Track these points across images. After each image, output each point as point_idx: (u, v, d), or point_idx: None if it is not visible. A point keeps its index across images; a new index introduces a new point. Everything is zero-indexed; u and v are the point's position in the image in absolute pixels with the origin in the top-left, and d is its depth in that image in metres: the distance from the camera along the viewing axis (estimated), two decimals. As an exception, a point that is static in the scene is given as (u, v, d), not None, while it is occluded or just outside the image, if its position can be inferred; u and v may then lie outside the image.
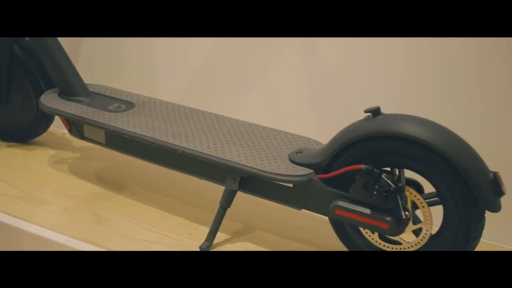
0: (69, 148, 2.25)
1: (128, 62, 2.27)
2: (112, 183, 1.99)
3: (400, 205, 1.43)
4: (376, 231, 1.50)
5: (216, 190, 1.69)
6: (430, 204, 1.46)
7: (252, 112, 2.05)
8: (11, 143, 2.24)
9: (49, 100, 1.95)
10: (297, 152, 1.63)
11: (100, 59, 2.31)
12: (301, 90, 2.00)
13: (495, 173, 1.38)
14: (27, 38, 2.08)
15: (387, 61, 1.85)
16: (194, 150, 1.64)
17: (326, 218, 1.59)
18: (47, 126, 2.21)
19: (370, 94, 1.89)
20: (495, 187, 1.37)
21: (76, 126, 1.92)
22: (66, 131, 2.03)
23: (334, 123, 1.85)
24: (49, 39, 1.95)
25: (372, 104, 1.50)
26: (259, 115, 2.02)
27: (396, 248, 1.51)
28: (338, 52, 1.92)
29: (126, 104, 1.94)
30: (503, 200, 1.40)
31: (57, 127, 2.27)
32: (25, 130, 2.20)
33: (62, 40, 2.00)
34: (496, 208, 1.39)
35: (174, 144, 1.68)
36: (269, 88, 2.05)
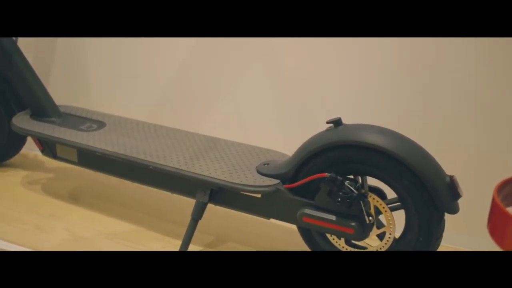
0: (42, 169, 2.28)
1: (98, 83, 2.32)
2: (86, 201, 2.03)
3: (364, 211, 1.49)
4: (342, 237, 1.56)
5: (188, 204, 1.74)
6: (392, 209, 1.53)
7: (219, 128, 2.11)
8: (-16, 166, 2.26)
9: (22, 121, 1.99)
10: (264, 164, 1.69)
11: (70, 81, 2.36)
12: (265, 105, 2.07)
13: (451, 177, 1.45)
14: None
15: (347, 75, 1.93)
16: (165, 165, 1.69)
17: (296, 228, 1.66)
18: (19, 148, 2.24)
19: (331, 107, 1.96)
20: (452, 190, 1.45)
21: (48, 146, 1.96)
22: (38, 153, 2.07)
23: (299, 135, 1.92)
24: (19, 59, 2.00)
25: (334, 116, 1.57)
26: (226, 131, 2.08)
27: (362, 253, 1.57)
28: (300, 67, 1.99)
29: (98, 123, 1.99)
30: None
31: (29, 149, 2.30)
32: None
33: (32, 62, 2.04)
34: (454, 210, 1.47)
35: (145, 160, 1.73)
36: (235, 104, 2.11)
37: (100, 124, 1.98)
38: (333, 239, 1.60)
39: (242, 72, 2.08)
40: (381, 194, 1.59)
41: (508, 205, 1.27)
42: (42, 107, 2.02)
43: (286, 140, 2.03)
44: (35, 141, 1.99)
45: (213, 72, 2.12)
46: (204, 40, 2.09)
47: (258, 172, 1.66)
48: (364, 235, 1.51)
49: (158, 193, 1.89)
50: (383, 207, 1.54)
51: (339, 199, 1.49)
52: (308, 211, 1.55)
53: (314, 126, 1.66)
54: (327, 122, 1.55)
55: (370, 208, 1.53)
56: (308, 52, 1.97)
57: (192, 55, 2.14)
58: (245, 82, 2.08)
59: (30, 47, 2.25)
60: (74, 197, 2.05)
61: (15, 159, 2.29)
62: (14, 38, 2.04)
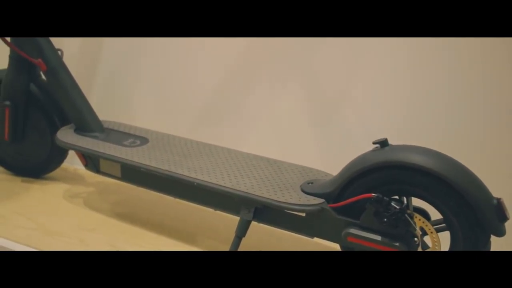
0: (82, 183, 2.31)
1: (140, 99, 2.35)
2: (127, 215, 2.05)
3: (409, 232, 1.50)
4: (387, 257, 1.57)
5: (230, 221, 1.76)
6: (438, 230, 1.54)
7: (259, 145, 2.12)
8: (25, 178, 2.30)
9: (66, 136, 2.02)
10: (308, 183, 1.70)
11: (112, 96, 2.39)
12: (305, 123, 2.08)
13: (498, 199, 1.45)
14: (43, 77, 2.16)
15: (390, 92, 1.94)
16: (210, 182, 1.71)
17: (337, 245, 1.66)
18: (61, 162, 2.27)
19: (369, 124, 1.97)
20: (500, 212, 1.45)
21: (92, 161, 1.99)
22: (78, 167, 2.10)
23: (338, 153, 1.93)
24: (64, 74, 2.04)
25: (374, 134, 1.58)
26: (265, 148, 2.10)
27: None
28: (339, 84, 2.00)
29: (141, 139, 2.02)
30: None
31: (69, 163, 2.34)
32: (39, 166, 2.26)
33: (76, 76, 2.08)
34: (501, 232, 1.47)
35: (189, 177, 1.75)
36: (273, 121, 2.13)
37: (143, 140, 2.01)
38: (377, 259, 1.61)
39: (280, 89, 2.09)
40: (426, 215, 1.60)
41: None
42: (86, 122, 2.05)
43: (325, 158, 2.04)
44: (78, 155, 2.02)
45: (252, 89, 2.14)
46: (244, 57, 2.12)
47: (303, 190, 1.67)
48: (409, 256, 1.52)
49: (201, 210, 1.91)
50: (429, 228, 1.54)
51: (385, 220, 1.50)
52: (353, 231, 1.55)
53: (352, 143, 1.67)
54: (374, 143, 1.56)
55: (415, 229, 1.53)
56: (347, 69, 1.98)
57: (232, 73, 2.16)
58: (284, 99, 2.10)
59: (74, 62, 2.28)
60: (115, 212, 2.08)
61: (55, 172, 2.33)
62: (59, 52, 2.08)
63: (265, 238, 1.93)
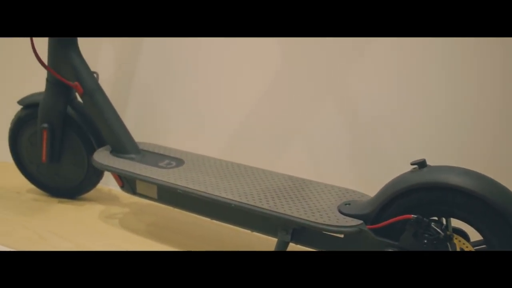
0: (116, 203, 2.33)
1: (174, 121, 2.38)
2: (163, 236, 2.07)
3: (450, 253, 1.49)
4: (426, 279, 1.56)
5: (267, 242, 1.76)
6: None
7: (295, 166, 2.13)
8: (62, 199, 2.33)
9: (103, 157, 2.05)
10: (346, 204, 1.71)
11: (147, 118, 2.42)
12: (341, 143, 2.09)
13: None
14: (79, 99, 2.19)
15: (427, 113, 1.94)
16: (247, 204, 1.72)
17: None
18: (96, 183, 2.30)
19: (409, 146, 1.97)
20: None
21: (128, 182, 2.01)
22: (112, 188, 2.12)
23: (375, 175, 1.93)
24: (100, 96, 2.07)
25: (410, 155, 1.58)
26: (302, 169, 2.11)
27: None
28: (374, 104, 2.01)
29: (176, 160, 2.04)
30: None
31: (104, 184, 2.37)
32: (75, 187, 2.29)
33: (111, 98, 2.11)
34: None
35: (226, 198, 1.76)
36: (310, 142, 2.14)
37: (179, 162, 2.03)
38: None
39: (316, 109, 2.10)
40: (465, 236, 1.59)
41: None
42: (122, 144, 2.08)
43: (362, 179, 2.04)
44: (115, 177, 2.05)
45: (288, 110, 2.15)
46: (280, 77, 2.13)
47: (340, 212, 1.67)
48: (449, 277, 1.51)
49: (236, 231, 1.91)
50: (469, 250, 1.53)
51: (425, 241, 1.50)
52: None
53: (389, 164, 1.67)
54: (412, 164, 1.56)
55: (456, 250, 1.53)
56: (385, 89, 1.98)
57: (267, 93, 2.18)
58: (320, 119, 2.11)
59: (109, 84, 2.32)
60: (151, 233, 2.10)
61: (90, 193, 2.36)
62: (95, 75, 2.12)
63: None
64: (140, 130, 2.32)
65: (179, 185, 1.85)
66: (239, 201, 1.74)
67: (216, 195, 1.78)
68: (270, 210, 1.68)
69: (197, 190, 1.81)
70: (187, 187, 1.83)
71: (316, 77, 2.08)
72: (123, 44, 2.41)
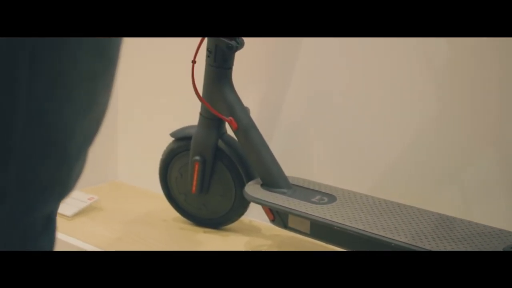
0: (259, 235, 2.38)
1: (320, 154, 2.41)
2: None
3: None
4: None
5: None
6: None
7: (444, 204, 2.10)
8: (207, 229, 2.40)
9: (255, 191, 2.10)
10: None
11: (293, 150, 2.46)
12: (492, 179, 2.05)
13: None
14: (228, 134, 2.27)
15: None
16: (408, 243, 1.72)
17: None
18: (242, 215, 2.36)
19: None
20: None
21: (280, 216, 2.05)
22: (253, 219, 2.16)
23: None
24: (254, 133, 2.13)
25: None
26: (452, 207, 2.08)
27: None
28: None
29: (328, 196, 2.06)
30: None
31: (245, 215, 2.41)
32: (221, 217, 2.36)
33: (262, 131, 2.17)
34: None
35: (386, 237, 1.76)
36: (462, 181, 2.11)
37: (330, 197, 2.05)
38: None
39: (472, 151, 2.08)
40: None
41: None
42: (274, 178, 2.13)
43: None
44: (266, 210, 2.09)
45: (442, 149, 2.14)
46: (438, 114, 2.13)
47: (508, 256, 1.64)
48: None
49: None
50: None
51: None
52: None
53: None
54: None
55: None
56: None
57: (425, 125, 2.17)
58: (475, 159, 2.08)
59: (254, 116, 2.38)
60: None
61: (232, 224, 2.42)
62: (247, 110, 2.18)
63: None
64: (285, 162, 2.35)
65: (335, 222, 1.86)
66: (398, 240, 1.74)
67: (374, 233, 1.78)
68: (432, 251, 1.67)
69: (355, 228, 1.82)
70: (343, 224, 1.85)
71: (482, 120, 2.06)
72: (270, 79, 2.48)
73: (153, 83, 2.82)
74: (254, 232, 2.41)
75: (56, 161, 0.85)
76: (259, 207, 2.14)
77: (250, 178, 2.24)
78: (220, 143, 2.26)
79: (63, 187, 0.91)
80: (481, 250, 1.67)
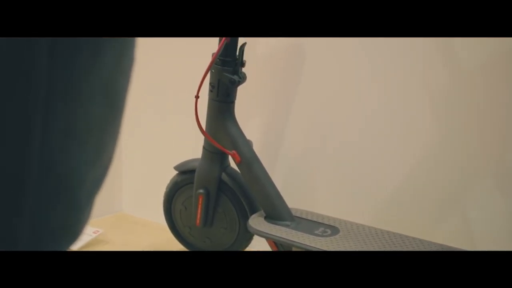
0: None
1: (323, 185, 2.42)
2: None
3: None
4: None
5: None
6: None
7: (448, 235, 2.11)
8: (211, 262, 2.41)
9: (258, 223, 2.12)
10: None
11: (295, 182, 2.48)
12: (498, 212, 2.06)
13: None
14: (231, 167, 2.29)
15: None
16: (411, 276, 1.72)
17: None
18: (245, 247, 2.37)
19: None
20: None
21: (284, 249, 2.06)
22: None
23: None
24: (258, 167, 2.15)
25: None
26: (455, 238, 2.08)
27: None
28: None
29: (331, 228, 2.08)
30: None
31: (248, 247, 2.42)
32: (225, 250, 2.37)
33: (265, 163, 2.19)
34: None
35: (389, 269, 1.77)
36: (468, 213, 2.12)
37: (334, 229, 2.07)
38: None
39: (475, 182, 2.09)
40: None
41: None
42: (277, 210, 2.14)
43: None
44: (270, 243, 2.11)
45: (446, 179, 2.15)
46: (440, 145, 2.14)
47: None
48: None
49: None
50: None
51: None
52: None
53: None
54: None
55: None
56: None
57: (427, 152, 2.19)
58: (479, 190, 2.09)
59: (257, 148, 2.40)
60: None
61: (238, 255, 2.42)
62: (250, 143, 2.21)
63: None
64: (290, 195, 2.37)
65: (338, 254, 1.88)
66: (402, 273, 1.75)
67: (378, 266, 1.79)
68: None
69: (358, 260, 1.83)
70: (347, 257, 1.86)
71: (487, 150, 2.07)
72: (272, 112, 2.51)
73: (157, 117, 2.85)
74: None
75: (67, 207, 0.88)
76: (263, 239, 2.15)
77: (253, 210, 2.26)
78: (224, 176, 2.28)
79: (73, 231, 0.93)
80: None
